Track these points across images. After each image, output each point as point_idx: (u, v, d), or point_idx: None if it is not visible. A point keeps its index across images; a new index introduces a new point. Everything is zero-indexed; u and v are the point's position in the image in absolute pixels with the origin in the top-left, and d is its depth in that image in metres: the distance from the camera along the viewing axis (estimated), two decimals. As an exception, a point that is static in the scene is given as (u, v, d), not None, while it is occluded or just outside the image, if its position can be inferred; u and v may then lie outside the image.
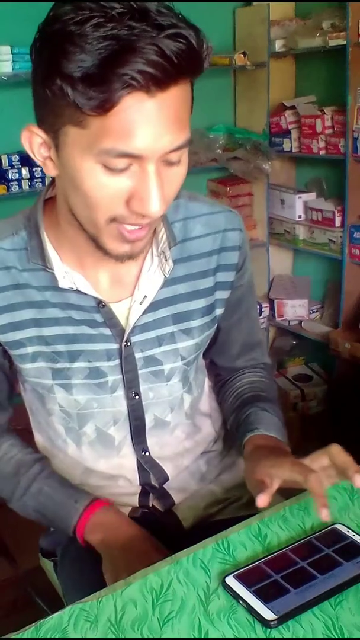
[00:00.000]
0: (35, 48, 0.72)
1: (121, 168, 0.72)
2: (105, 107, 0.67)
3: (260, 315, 3.03)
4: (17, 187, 2.31)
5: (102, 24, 0.65)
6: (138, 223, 0.77)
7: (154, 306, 0.94)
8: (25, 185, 2.32)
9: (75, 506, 0.99)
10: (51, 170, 0.78)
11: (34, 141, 0.77)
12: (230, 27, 2.83)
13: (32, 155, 0.78)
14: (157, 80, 0.67)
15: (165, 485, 1.08)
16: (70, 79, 0.67)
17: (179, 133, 0.72)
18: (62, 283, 0.88)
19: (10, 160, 2.29)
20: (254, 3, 2.77)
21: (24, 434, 1.07)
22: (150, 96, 0.68)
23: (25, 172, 2.30)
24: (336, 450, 0.81)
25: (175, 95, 0.70)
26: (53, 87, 0.69)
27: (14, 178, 2.30)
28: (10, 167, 2.29)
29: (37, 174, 2.32)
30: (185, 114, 0.73)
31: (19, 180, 2.31)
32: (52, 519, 1.02)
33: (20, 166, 2.30)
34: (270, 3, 2.67)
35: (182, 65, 0.68)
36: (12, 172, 2.29)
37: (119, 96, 0.66)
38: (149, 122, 0.69)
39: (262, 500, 0.79)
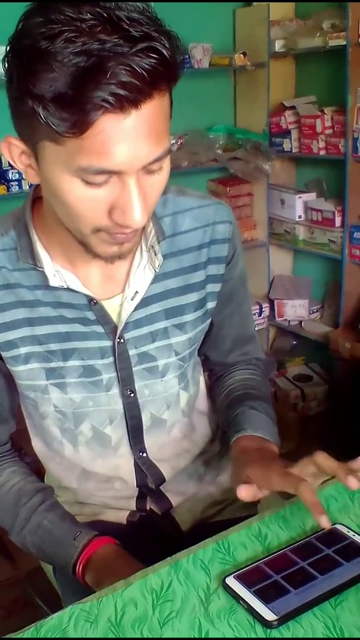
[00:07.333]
0: (6, 62, 0.70)
1: (100, 182, 0.71)
2: (79, 128, 0.66)
3: (260, 315, 3.03)
4: (17, 187, 2.31)
5: (73, 39, 0.63)
6: (122, 232, 0.77)
7: (145, 302, 0.94)
8: (25, 186, 2.32)
9: (74, 543, 0.94)
10: (33, 178, 0.78)
11: (13, 151, 0.76)
12: (230, 27, 2.83)
13: (12, 163, 0.78)
14: (131, 100, 0.66)
15: (162, 488, 1.08)
16: (42, 100, 0.66)
17: (157, 145, 0.71)
18: (53, 281, 0.88)
19: (10, 161, 2.29)
20: (254, 3, 2.77)
21: (23, 435, 1.07)
22: (126, 114, 0.67)
23: (25, 172, 2.31)
24: (321, 457, 0.80)
25: (151, 109, 0.69)
26: (26, 107, 0.68)
27: (14, 178, 2.30)
28: (10, 168, 2.29)
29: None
30: (163, 124, 0.71)
31: (19, 181, 2.31)
32: (51, 556, 0.98)
33: (20, 166, 2.30)
34: (270, 3, 2.68)
35: (155, 81, 0.67)
36: (12, 173, 2.29)
37: (93, 117, 0.66)
38: (125, 139, 0.68)
39: (244, 490, 0.81)
